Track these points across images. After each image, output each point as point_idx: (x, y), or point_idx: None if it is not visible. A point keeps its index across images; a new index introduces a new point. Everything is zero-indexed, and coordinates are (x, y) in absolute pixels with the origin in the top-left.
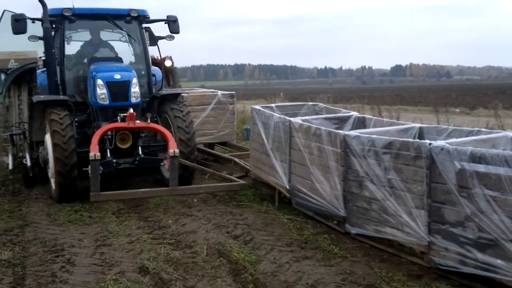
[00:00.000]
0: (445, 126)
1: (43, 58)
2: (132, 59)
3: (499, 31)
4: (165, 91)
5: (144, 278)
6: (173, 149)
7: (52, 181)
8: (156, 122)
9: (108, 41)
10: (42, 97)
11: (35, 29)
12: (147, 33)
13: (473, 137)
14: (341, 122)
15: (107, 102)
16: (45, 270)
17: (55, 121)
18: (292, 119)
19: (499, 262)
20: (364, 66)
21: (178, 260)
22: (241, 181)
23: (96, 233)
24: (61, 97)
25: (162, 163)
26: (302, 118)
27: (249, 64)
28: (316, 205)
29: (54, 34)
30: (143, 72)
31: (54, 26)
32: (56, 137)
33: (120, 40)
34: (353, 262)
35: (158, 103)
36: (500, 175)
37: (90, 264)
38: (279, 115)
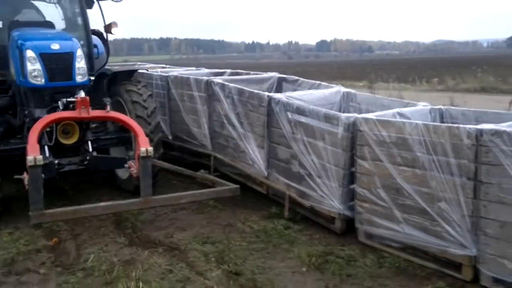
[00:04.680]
0: (297, 78)
1: None
2: (64, 25)
3: (417, 7)
4: (113, 66)
5: (36, 231)
6: (145, 147)
7: None
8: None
9: (32, 1)
10: None
11: None
12: None
13: (312, 91)
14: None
15: (42, 81)
16: None
17: None
18: (168, 73)
19: (312, 192)
20: (291, 41)
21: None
22: (232, 185)
23: None
24: None
25: (126, 165)
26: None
27: (175, 38)
28: (191, 146)
29: None
30: (82, 42)
31: None
32: None
33: (45, 1)
34: (221, 210)
35: (108, 83)
36: (313, 126)
37: None
38: (158, 73)
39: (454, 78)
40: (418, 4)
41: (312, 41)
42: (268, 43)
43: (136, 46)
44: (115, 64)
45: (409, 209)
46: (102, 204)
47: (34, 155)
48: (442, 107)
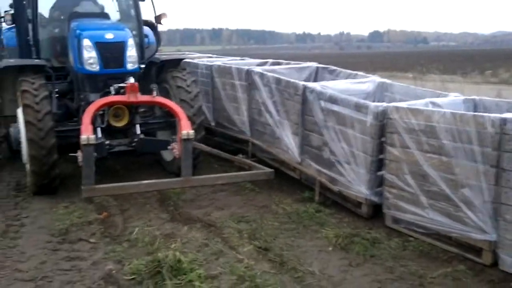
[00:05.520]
0: (334, 68)
1: (11, 12)
2: (119, 16)
3: None
4: (162, 55)
5: (89, 205)
6: (187, 130)
7: (27, 167)
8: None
9: None
10: (12, 61)
11: None
12: None
13: (348, 81)
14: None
15: (97, 68)
16: (8, 202)
17: (28, 92)
18: (212, 63)
19: (340, 178)
20: (342, 32)
21: (118, 194)
22: (267, 169)
23: None
24: (37, 61)
25: (169, 147)
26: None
27: (227, 29)
28: (232, 133)
29: None
30: (134, 32)
31: None
32: (28, 113)
33: None
34: (258, 192)
35: (157, 71)
36: (345, 115)
37: (46, 198)
38: (203, 63)
39: (509, 71)
40: None
41: (365, 31)
42: (319, 33)
43: (189, 36)
44: (166, 53)
45: (435, 195)
46: (146, 181)
47: (87, 134)
48: (476, 97)
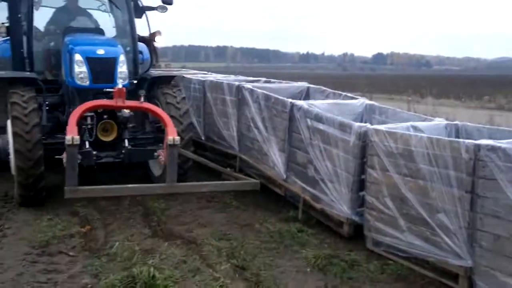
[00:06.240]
0: (325, 89)
1: (7, 24)
2: (115, 32)
3: (480, 22)
4: (154, 71)
5: (73, 218)
6: (173, 136)
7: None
8: None
9: (87, 9)
10: (3, 73)
11: None
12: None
13: (335, 101)
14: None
15: (87, 82)
16: None
17: (17, 104)
18: (205, 78)
19: (324, 196)
20: (346, 53)
21: (103, 208)
22: (252, 180)
23: None
24: (28, 74)
25: (156, 154)
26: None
27: (231, 47)
28: (221, 147)
29: None
30: (128, 48)
31: None
32: (16, 124)
33: (100, 10)
34: (243, 211)
35: (148, 86)
36: (329, 133)
37: (32, 209)
38: (197, 78)
39: (507, 97)
40: (482, 19)
41: (368, 53)
42: (323, 54)
43: (193, 53)
44: (170, 69)
45: (413, 218)
46: (130, 185)
47: (71, 135)
48: (458, 123)
